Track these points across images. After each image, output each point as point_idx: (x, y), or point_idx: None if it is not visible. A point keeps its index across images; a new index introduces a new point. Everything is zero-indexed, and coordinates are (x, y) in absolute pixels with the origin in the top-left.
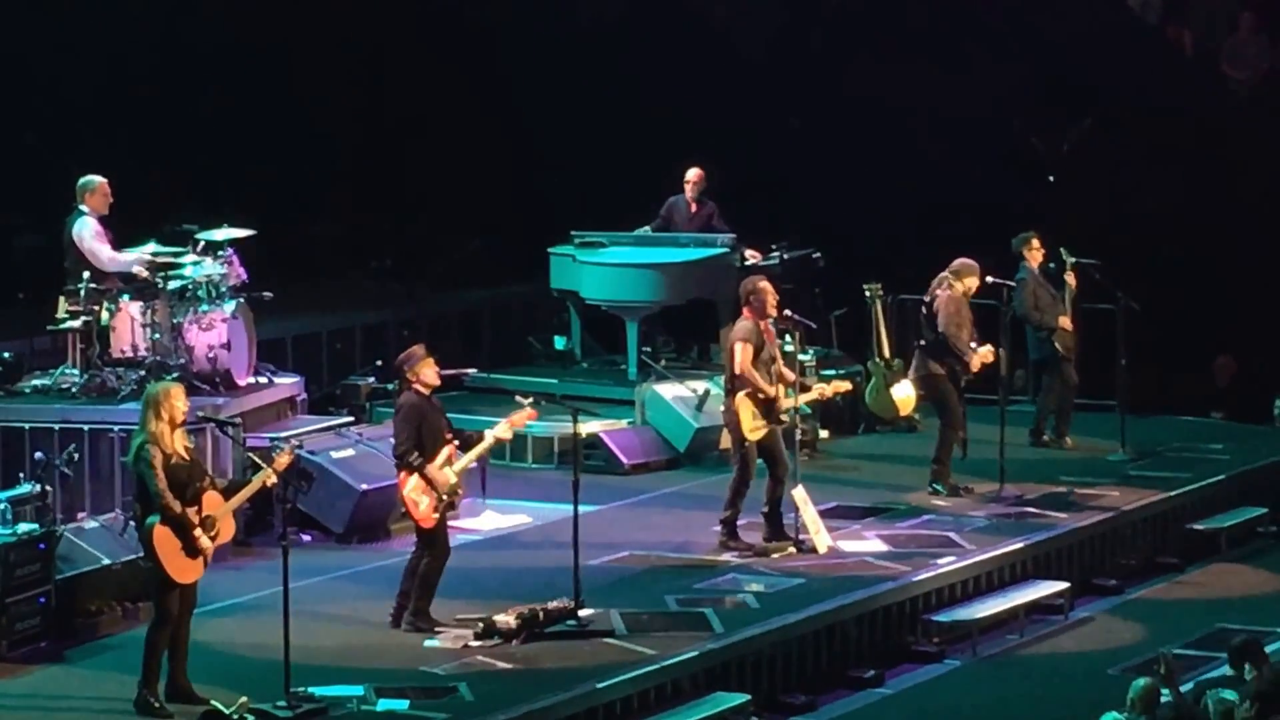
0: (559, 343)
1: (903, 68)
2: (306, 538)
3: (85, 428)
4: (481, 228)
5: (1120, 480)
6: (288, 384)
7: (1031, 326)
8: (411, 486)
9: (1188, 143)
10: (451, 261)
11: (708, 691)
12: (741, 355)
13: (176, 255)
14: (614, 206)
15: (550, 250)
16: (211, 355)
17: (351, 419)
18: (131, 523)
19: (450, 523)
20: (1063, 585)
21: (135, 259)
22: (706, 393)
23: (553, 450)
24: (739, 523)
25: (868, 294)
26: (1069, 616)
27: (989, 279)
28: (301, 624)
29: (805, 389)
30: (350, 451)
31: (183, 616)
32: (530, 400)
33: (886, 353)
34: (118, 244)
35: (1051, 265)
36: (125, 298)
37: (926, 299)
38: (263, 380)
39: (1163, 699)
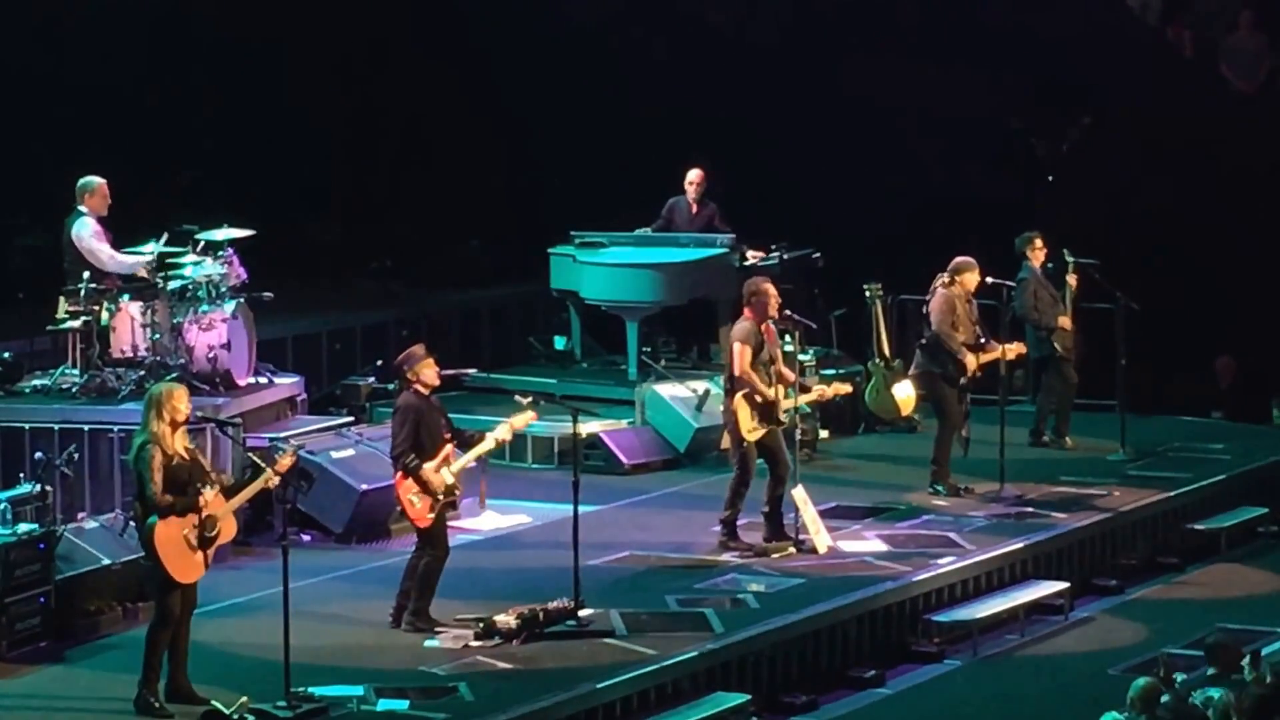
0: (559, 343)
1: (902, 68)
2: (306, 538)
3: (85, 428)
4: (481, 228)
5: (1120, 480)
6: (288, 384)
7: (1031, 326)
8: (408, 486)
9: (1187, 143)
10: (451, 262)
11: (708, 691)
12: (740, 358)
13: (177, 255)
14: (614, 207)
15: (550, 250)
16: (211, 355)
17: (351, 419)
18: (131, 523)
19: (451, 523)
20: (1063, 585)
21: (135, 261)
22: (706, 393)
23: (553, 450)
24: (739, 523)
25: (868, 294)
26: (1069, 616)
27: (988, 279)
28: (301, 624)
29: (805, 389)
30: (350, 452)
31: (183, 617)
32: (530, 400)
33: (886, 353)
34: (118, 244)
35: (1050, 265)
36: (125, 298)
37: (927, 298)
38: (263, 380)
39: (1163, 699)
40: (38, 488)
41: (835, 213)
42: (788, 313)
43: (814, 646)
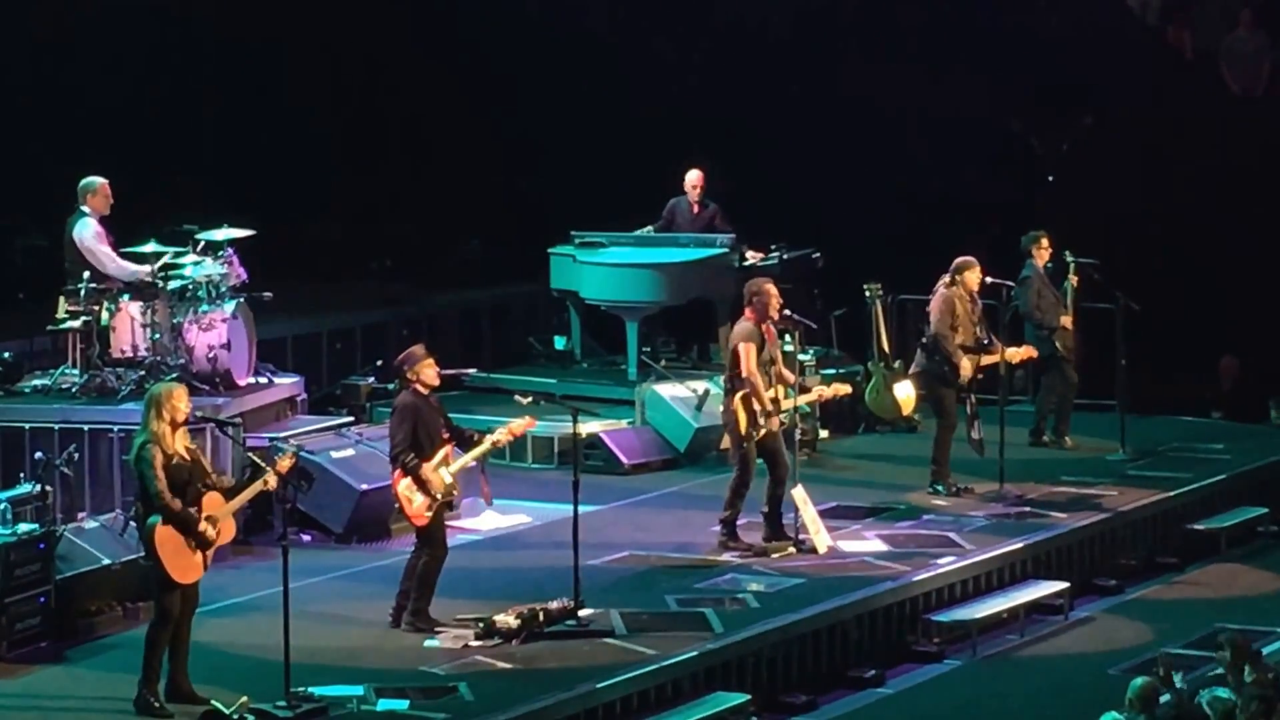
0: (559, 343)
1: (902, 68)
2: (306, 538)
3: (85, 428)
4: (481, 228)
5: (1120, 480)
6: (287, 384)
7: (1034, 325)
8: (405, 484)
9: (1187, 143)
10: (452, 262)
11: (708, 691)
12: (746, 359)
13: (177, 255)
14: (614, 207)
15: (550, 250)
16: (211, 355)
17: (351, 419)
18: (131, 523)
19: (451, 523)
20: (1062, 585)
21: (137, 270)
22: (706, 393)
23: (553, 450)
24: (739, 523)
25: (867, 294)
26: (1069, 616)
27: (987, 279)
28: (301, 624)
29: (805, 389)
30: (350, 451)
31: (184, 616)
32: (530, 401)
33: (886, 353)
34: (118, 244)
35: (1049, 265)
36: (125, 298)
37: (929, 297)
38: (263, 380)
39: (1162, 699)
40: (38, 488)
41: (835, 213)
42: (788, 313)
43: (814, 646)
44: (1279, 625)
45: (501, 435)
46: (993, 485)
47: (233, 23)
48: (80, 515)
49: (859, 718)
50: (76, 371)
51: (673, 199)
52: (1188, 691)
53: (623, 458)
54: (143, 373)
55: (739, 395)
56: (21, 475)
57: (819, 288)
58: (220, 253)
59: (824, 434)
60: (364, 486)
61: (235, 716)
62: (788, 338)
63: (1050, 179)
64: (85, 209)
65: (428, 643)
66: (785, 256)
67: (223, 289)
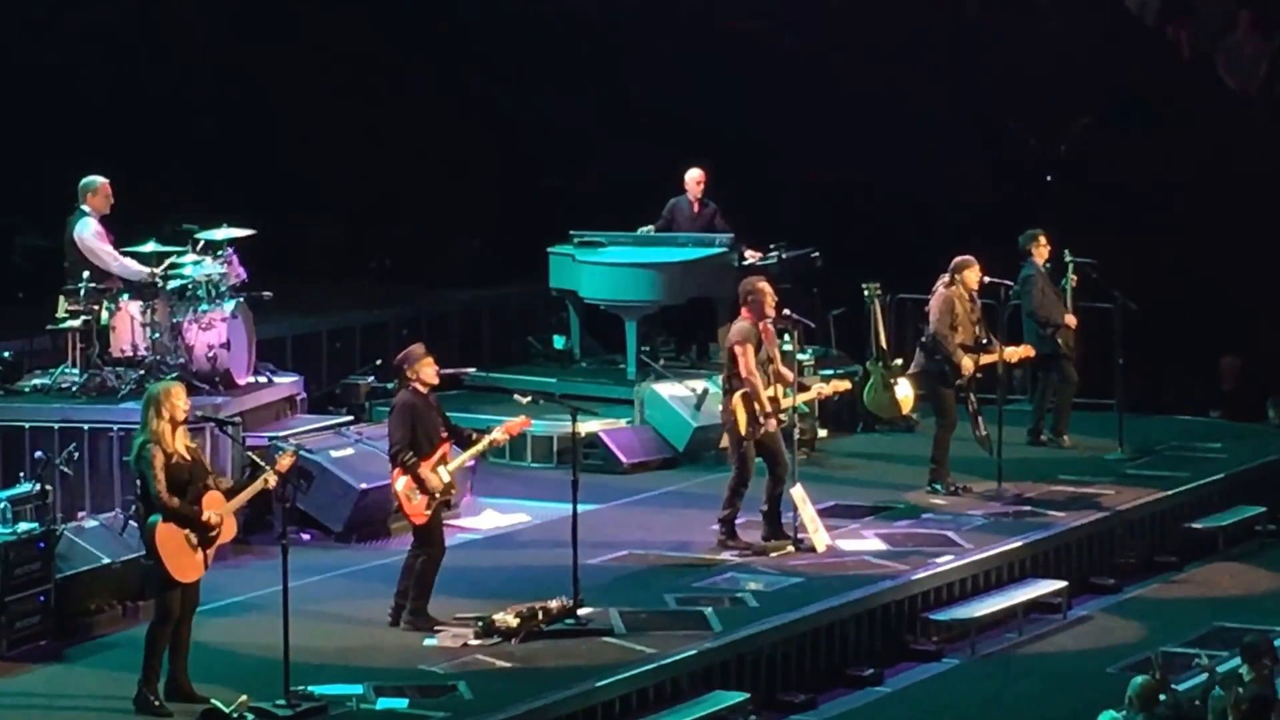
0: (558, 342)
1: (901, 67)
2: (306, 537)
3: (85, 427)
4: (481, 227)
5: (1118, 479)
6: (287, 383)
7: (1038, 323)
8: (404, 483)
9: (1185, 142)
10: (451, 261)
11: (706, 690)
12: (745, 358)
13: (177, 255)
14: (613, 206)
15: (549, 250)
16: (211, 355)
17: (351, 418)
18: (131, 521)
19: (450, 522)
20: (1061, 584)
21: (140, 270)
22: (705, 392)
23: (552, 449)
24: (738, 521)
25: (866, 293)
26: (1067, 615)
27: (986, 279)
28: (301, 623)
29: (803, 388)
30: (349, 451)
31: (185, 615)
32: (529, 400)
33: (885, 352)
34: (118, 244)
35: (1048, 265)
36: (125, 297)
37: (928, 297)
38: (262, 379)
39: (1161, 698)
40: (38, 487)
41: (833, 212)
42: (786, 312)
43: (813, 645)
44: (1277, 624)
45: (498, 434)
46: (991, 484)
47: (233, 22)
48: (80, 514)
49: (858, 716)
50: (76, 371)
51: (673, 198)
52: (1206, 685)
53: (622, 457)
54: (142, 372)
55: (738, 395)
56: (21, 474)
57: (818, 287)
58: (220, 252)
59: (823, 433)
60: (363, 485)
61: (235, 715)
62: (786, 337)
63: (1049, 179)
64: (85, 208)
65: (427, 641)
66: (784, 256)
67: (222, 288)
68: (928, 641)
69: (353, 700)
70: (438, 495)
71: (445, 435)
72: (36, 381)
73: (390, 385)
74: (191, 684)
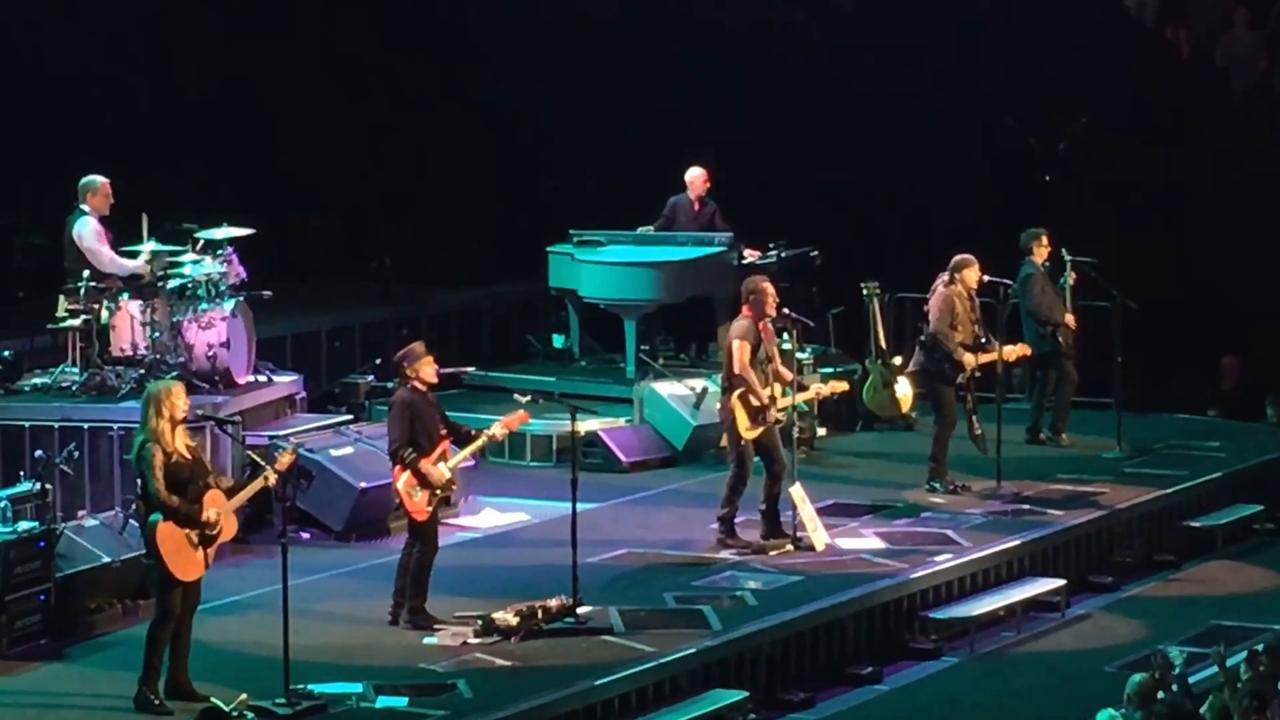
0: (558, 341)
1: (900, 66)
2: (306, 535)
3: (85, 426)
4: (481, 226)
5: (1116, 478)
6: (287, 382)
7: (1039, 322)
8: (405, 480)
9: (1184, 141)
10: (451, 260)
11: (706, 689)
12: (740, 354)
13: (176, 254)
14: (613, 205)
15: (549, 249)
16: (211, 353)
17: (350, 417)
18: (132, 520)
19: (450, 520)
20: (1059, 582)
21: (135, 265)
22: (704, 391)
23: (551, 448)
24: (737, 520)
25: (865, 292)
26: (1065, 613)
27: (985, 277)
28: (301, 621)
29: (802, 388)
30: (349, 450)
31: (185, 614)
32: (527, 399)
33: (884, 350)
34: (117, 243)
35: (1046, 264)
36: (125, 296)
37: (928, 296)
38: (262, 378)
39: (1159, 696)
40: (38, 486)
41: (832, 211)
42: (785, 311)
43: (811, 643)
44: (1275, 622)
45: (497, 430)
46: (990, 483)
47: (233, 22)
48: (80, 513)
49: (856, 715)
50: (76, 370)
51: (673, 197)
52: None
53: (621, 456)
54: (142, 371)
55: (736, 394)
56: (21, 473)
57: (817, 286)
58: (219, 251)
59: (822, 432)
60: (363, 484)
61: (235, 714)
62: (785, 336)
63: (1047, 178)
64: (85, 207)
65: (427, 640)
66: (783, 255)
67: (222, 287)
68: (926, 640)
69: (352, 699)
70: (438, 492)
71: (444, 433)
72: (37, 380)
73: (390, 384)
74: (191, 682)
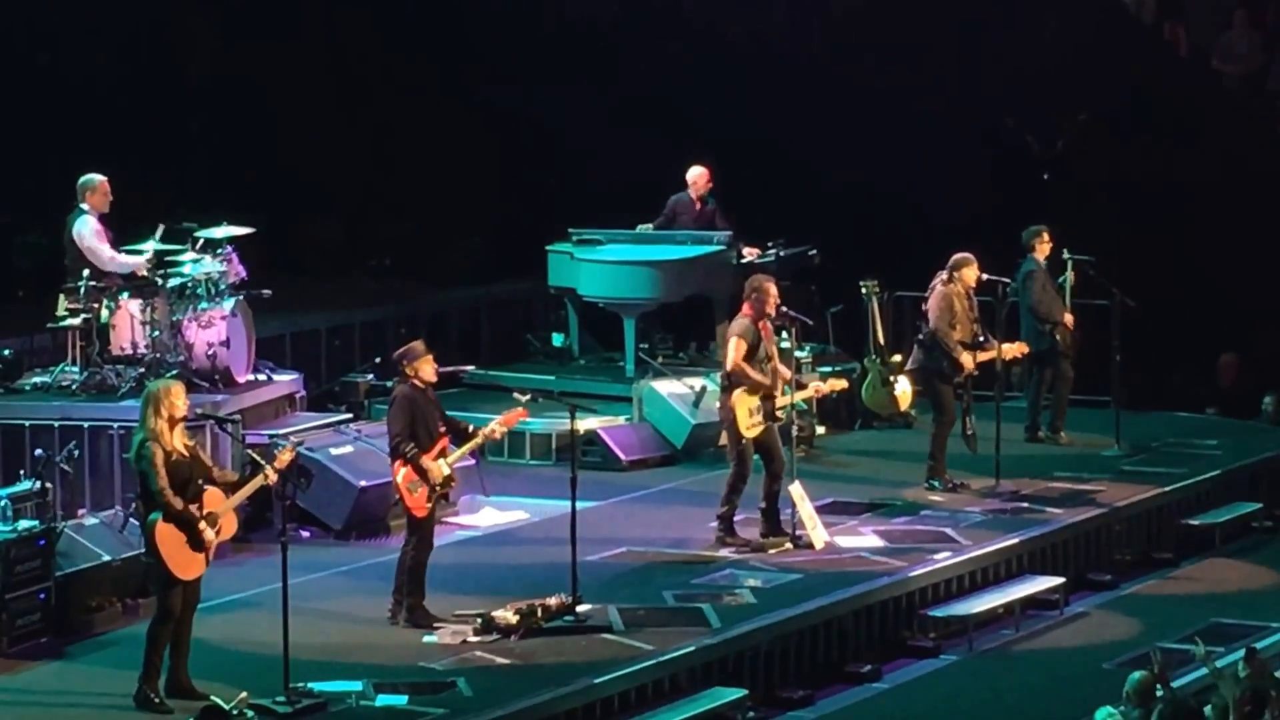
0: (557, 340)
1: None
2: (305, 534)
3: (85, 425)
4: (480, 225)
5: (1115, 476)
6: (287, 381)
7: (1037, 319)
8: (405, 476)
9: (1182, 139)
10: (450, 259)
11: (705, 686)
12: (734, 352)
13: (176, 253)
14: (613, 204)
15: (548, 247)
16: (211, 352)
17: (350, 416)
18: (132, 519)
19: (450, 519)
20: (1058, 580)
21: (134, 261)
22: (703, 389)
23: (551, 446)
24: (736, 518)
25: (864, 291)
26: (1064, 611)
27: (984, 276)
28: (300, 620)
29: (801, 386)
30: (349, 448)
31: (185, 613)
32: (527, 398)
33: (883, 348)
34: (118, 242)
35: (1046, 262)
36: (125, 295)
37: (926, 294)
38: (262, 377)
39: (1158, 693)
40: (38, 484)
41: (831, 210)
42: (784, 309)
43: (810, 641)
44: (1273, 620)
45: (495, 427)
46: (989, 481)
47: (233, 20)
48: (80, 512)
49: (856, 712)
50: (76, 369)
51: (674, 195)
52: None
53: (620, 454)
54: (142, 370)
55: (735, 392)
56: (22, 472)
57: (816, 284)
58: (219, 250)
59: (821, 430)
60: (363, 483)
61: (235, 712)
62: (785, 334)
63: (1045, 176)
64: (84, 206)
65: (426, 638)
66: (782, 253)
67: (222, 286)
68: (925, 638)
69: (352, 697)
70: (438, 488)
71: (443, 430)
72: (37, 379)
73: (389, 383)
74: (192, 681)
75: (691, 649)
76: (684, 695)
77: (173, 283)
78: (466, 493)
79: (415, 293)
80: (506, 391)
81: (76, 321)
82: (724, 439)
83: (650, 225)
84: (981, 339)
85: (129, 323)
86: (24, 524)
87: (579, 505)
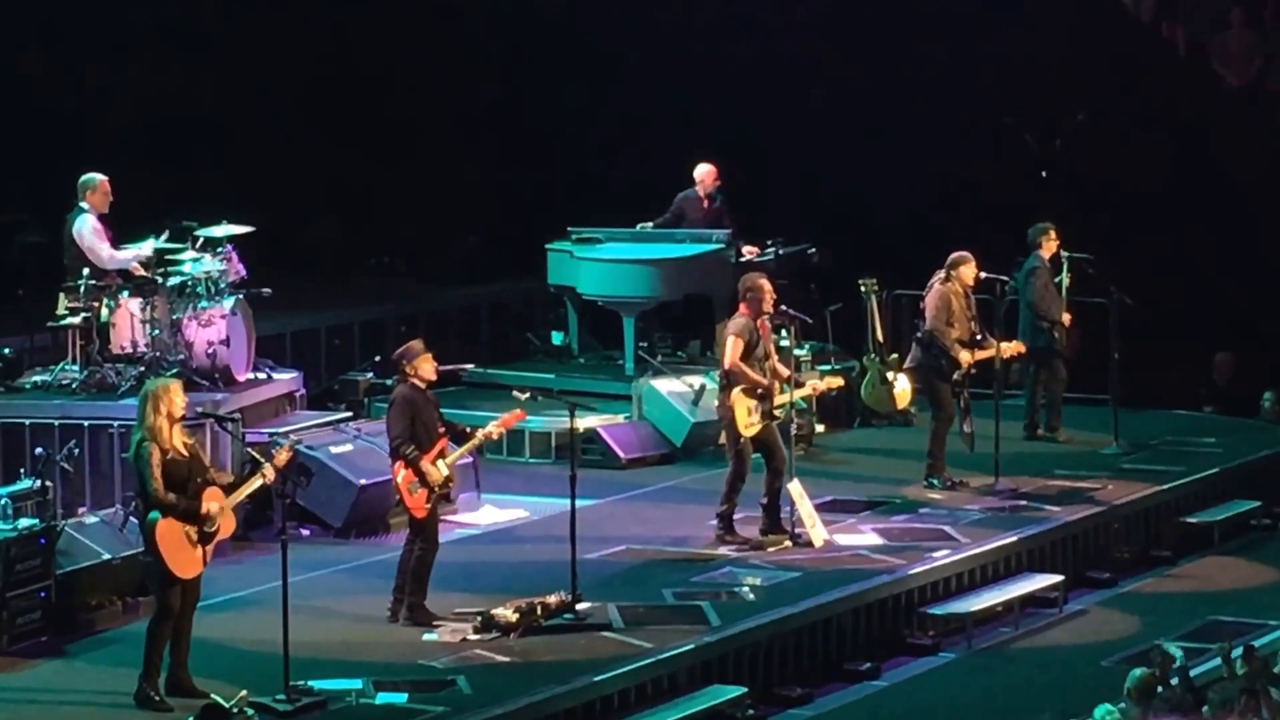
0: (556, 338)
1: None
2: (305, 532)
3: (85, 423)
4: (480, 224)
5: (1113, 473)
6: (286, 380)
7: (1037, 316)
8: (405, 476)
9: (1181, 139)
10: (450, 258)
11: (704, 684)
12: (732, 350)
13: (176, 251)
14: (613, 203)
15: (548, 246)
16: (210, 351)
17: (350, 414)
18: (132, 518)
19: (449, 517)
20: (1056, 578)
21: (134, 255)
22: (703, 387)
23: (550, 445)
24: (735, 517)
25: (863, 289)
26: (1063, 609)
27: (982, 274)
28: (300, 618)
29: (800, 384)
30: (348, 447)
31: (185, 611)
32: (526, 396)
33: (882, 347)
34: (118, 241)
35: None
36: (125, 294)
37: (925, 293)
38: (261, 376)
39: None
40: (38, 483)
41: (830, 209)
42: (783, 308)
43: (810, 639)
44: (1272, 618)
45: (493, 428)
46: (987, 479)
47: (233, 19)
48: (80, 510)
49: (855, 710)
50: (76, 367)
51: (681, 193)
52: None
53: (620, 452)
54: (142, 368)
55: (735, 390)
56: (22, 471)
57: (814, 283)
58: (219, 249)
59: (820, 428)
60: (362, 481)
61: (235, 710)
62: (783, 332)
63: (1044, 174)
64: (85, 205)
65: (426, 636)
66: (781, 252)
67: (222, 285)
68: (924, 636)
69: (352, 695)
70: (437, 489)
71: (443, 431)
72: (37, 378)
73: (389, 381)
74: (192, 679)
75: (691, 647)
76: (683, 693)
77: (173, 281)
78: (466, 491)
79: (415, 292)
80: (506, 390)
81: (77, 320)
82: (723, 437)
83: (650, 224)
84: (979, 337)
85: (129, 321)
86: (24, 522)
87: (578, 503)
